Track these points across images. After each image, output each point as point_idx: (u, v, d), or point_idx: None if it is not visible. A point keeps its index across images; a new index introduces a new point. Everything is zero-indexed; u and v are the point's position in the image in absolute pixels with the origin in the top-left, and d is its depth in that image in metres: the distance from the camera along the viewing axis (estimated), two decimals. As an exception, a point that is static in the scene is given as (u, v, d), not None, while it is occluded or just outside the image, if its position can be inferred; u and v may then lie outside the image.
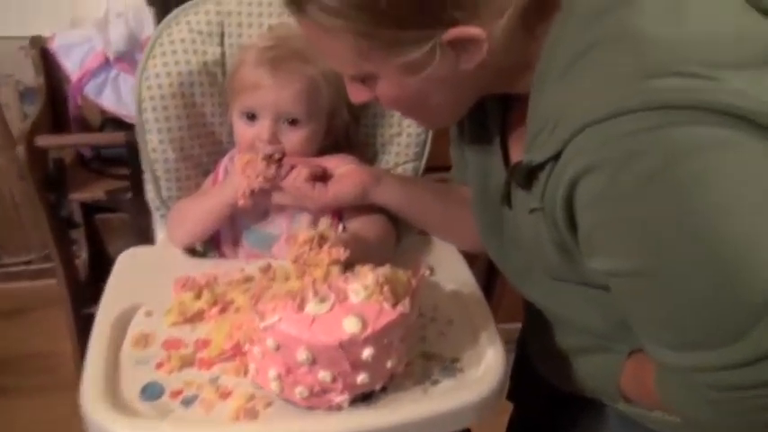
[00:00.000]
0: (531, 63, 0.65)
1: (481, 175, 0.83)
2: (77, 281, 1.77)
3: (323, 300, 0.67)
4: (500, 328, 0.81)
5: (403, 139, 1.03)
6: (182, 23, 0.96)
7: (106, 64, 1.59)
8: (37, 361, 1.91)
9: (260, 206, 0.95)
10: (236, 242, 0.98)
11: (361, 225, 0.94)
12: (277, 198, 0.93)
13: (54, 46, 1.58)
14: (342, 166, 0.93)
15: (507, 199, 0.73)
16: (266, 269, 0.88)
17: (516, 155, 0.77)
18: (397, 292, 0.70)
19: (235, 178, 0.91)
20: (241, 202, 0.90)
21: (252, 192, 0.90)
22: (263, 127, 0.90)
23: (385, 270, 0.72)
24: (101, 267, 1.86)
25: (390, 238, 0.96)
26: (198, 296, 0.82)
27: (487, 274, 1.79)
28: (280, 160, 0.91)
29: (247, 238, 0.97)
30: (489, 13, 0.60)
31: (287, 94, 0.88)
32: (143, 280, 0.88)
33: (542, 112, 0.63)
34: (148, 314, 0.81)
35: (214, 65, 0.97)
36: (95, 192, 1.66)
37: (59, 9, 1.68)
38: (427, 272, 0.93)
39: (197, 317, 0.81)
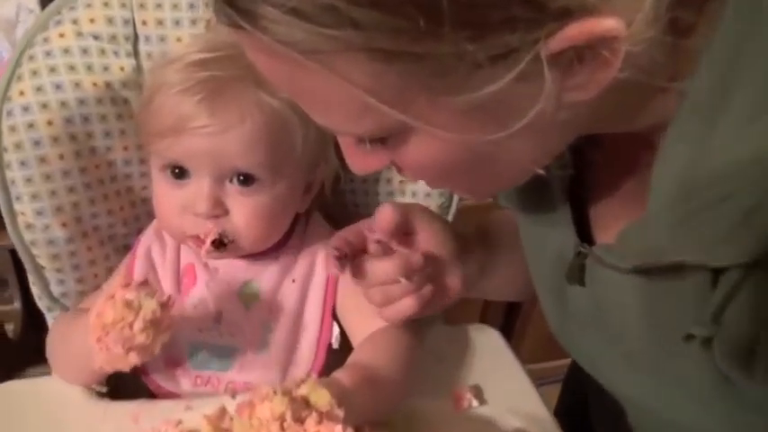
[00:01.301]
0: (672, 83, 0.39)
1: (532, 224, 0.58)
2: (7, 341, 1.47)
3: None
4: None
5: (420, 188, 0.68)
6: (65, 23, 0.61)
7: (16, 76, 1.30)
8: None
9: (208, 307, 0.61)
10: (174, 362, 0.63)
11: (369, 337, 0.60)
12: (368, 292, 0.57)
13: (-55, 55, 1.31)
14: (430, 242, 0.58)
15: (579, 278, 0.51)
16: (219, 417, 0.54)
17: (604, 221, 0.52)
18: None
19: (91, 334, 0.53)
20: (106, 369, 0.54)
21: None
22: (199, 190, 0.57)
23: None
24: (38, 321, 1.63)
25: (414, 354, 0.61)
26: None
27: (506, 311, 1.53)
28: (222, 245, 0.57)
29: (191, 356, 0.63)
30: None
31: (234, 138, 0.55)
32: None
33: (707, 170, 0.37)
34: None
35: (123, 86, 0.63)
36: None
37: (-48, 8, 1.40)
38: (474, 402, 0.60)
39: None
